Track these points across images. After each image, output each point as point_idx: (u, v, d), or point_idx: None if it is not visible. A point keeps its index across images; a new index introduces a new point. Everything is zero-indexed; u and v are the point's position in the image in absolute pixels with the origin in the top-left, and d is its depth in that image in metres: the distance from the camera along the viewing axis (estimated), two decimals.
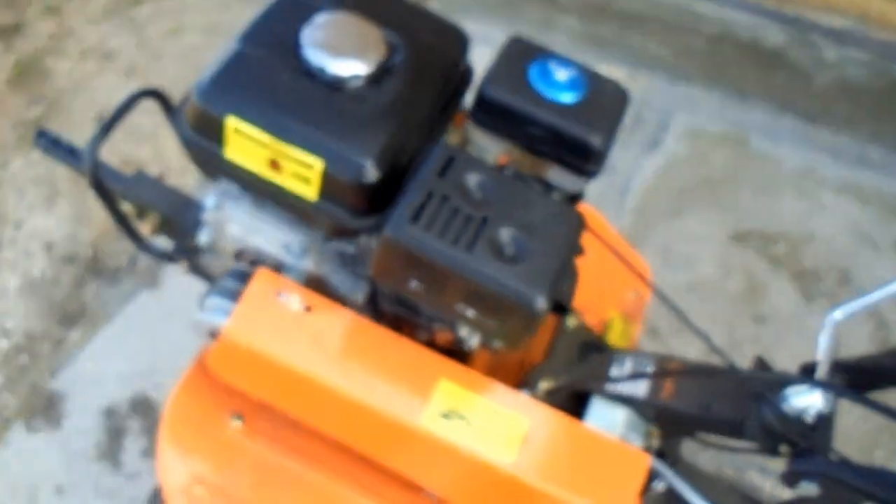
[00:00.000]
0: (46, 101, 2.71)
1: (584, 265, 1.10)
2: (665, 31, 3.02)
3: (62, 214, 2.46)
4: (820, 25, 2.94)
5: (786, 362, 1.17)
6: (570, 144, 1.02)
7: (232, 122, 0.93)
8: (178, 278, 2.35)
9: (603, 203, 2.59)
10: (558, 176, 1.06)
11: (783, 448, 1.03)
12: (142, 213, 1.24)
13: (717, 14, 2.99)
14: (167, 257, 1.26)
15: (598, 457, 1.03)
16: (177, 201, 1.22)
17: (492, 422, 1.00)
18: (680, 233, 2.65)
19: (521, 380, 1.15)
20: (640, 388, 1.12)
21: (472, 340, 1.01)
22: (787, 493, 1.09)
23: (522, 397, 1.04)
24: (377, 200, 0.95)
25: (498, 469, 0.99)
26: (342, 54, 0.96)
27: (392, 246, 0.91)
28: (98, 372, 2.19)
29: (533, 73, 1.03)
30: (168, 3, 3.06)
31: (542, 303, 0.89)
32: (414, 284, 0.95)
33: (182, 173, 2.26)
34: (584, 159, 1.03)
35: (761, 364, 1.08)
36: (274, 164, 0.95)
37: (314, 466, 1.19)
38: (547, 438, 1.02)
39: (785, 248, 2.65)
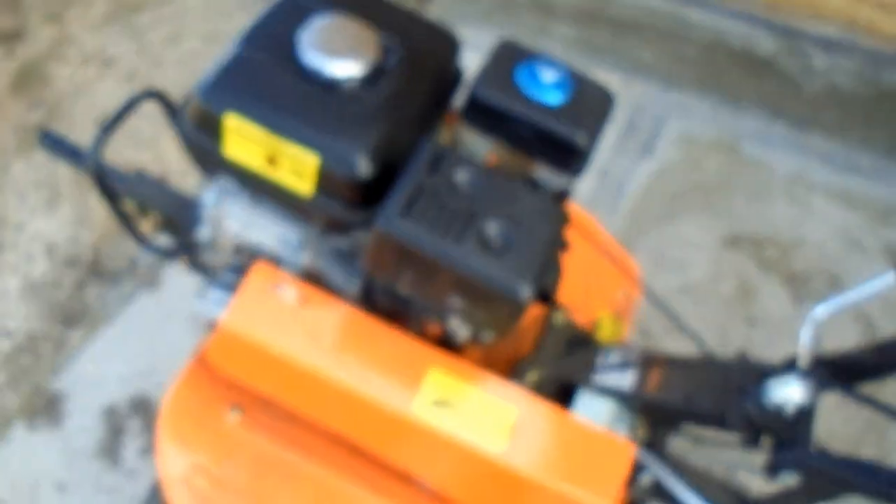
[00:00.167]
0: (47, 106, 2.75)
1: (575, 265, 1.14)
2: (658, 38, 3.06)
3: (63, 217, 2.49)
4: (810, 34, 2.98)
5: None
6: (556, 143, 1.05)
7: (232, 119, 0.97)
8: (177, 280, 2.40)
9: (597, 207, 2.63)
10: (545, 174, 1.09)
11: (765, 439, 1.06)
12: (143, 211, 1.28)
13: (709, 22, 3.03)
14: (168, 254, 1.30)
15: (584, 445, 1.06)
16: (177, 199, 1.26)
17: (482, 410, 1.04)
18: (673, 237, 2.69)
19: (510, 373, 1.18)
20: (625, 381, 1.15)
21: (461, 332, 1.05)
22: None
23: (511, 387, 1.08)
24: (370, 195, 0.99)
25: (488, 457, 1.02)
26: (339, 56, 1.00)
27: (384, 239, 0.94)
28: (99, 372, 2.23)
29: (521, 74, 1.06)
30: (168, 10, 3.09)
31: (526, 292, 0.93)
32: (405, 276, 0.99)
33: (182, 176, 2.31)
34: (570, 157, 1.07)
35: (744, 359, 1.11)
36: (271, 160, 0.99)
37: (311, 458, 1.22)
38: (535, 427, 1.05)
39: (776, 253, 2.68)
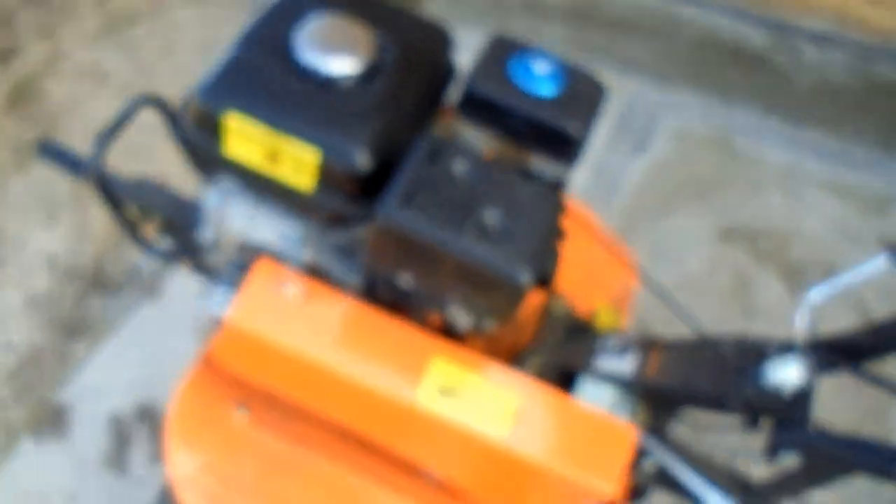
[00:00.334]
0: (43, 122, 2.76)
1: (572, 257, 1.16)
2: (650, 36, 3.08)
3: (63, 231, 2.51)
4: (800, 28, 3.00)
5: None
6: (550, 134, 1.07)
7: (232, 118, 0.99)
8: (178, 288, 2.42)
9: (592, 204, 2.64)
10: (540, 164, 1.12)
11: (764, 421, 1.08)
12: (145, 216, 1.30)
13: (700, 19, 3.05)
14: (171, 257, 1.31)
15: (587, 429, 1.08)
16: (179, 203, 1.27)
17: (485, 397, 1.05)
18: (668, 231, 2.71)
19: (511, 363, 1.20)
20: (625, 366, 1.17)
21: (463, 321, 1.07)
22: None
23: (513, 374, 1.09)
24: (370, 188, 1.01)
25: (492, 443, 1.04)
26: (336, 54, 1.02)
27: (386, 229, 0.96)
28: (103, 382, 2.24)
29: (514, 68, 1.09)
30: (161, 23, 3.11)
31: (525, 277, 0.95)
32: (406, 266, 1.01)
33: (180, 186, 2.32)
34: (564, 147, 1.09)
35: (742, 342, 1.12)
36: (272, 158, 1.01)
37: (318, 453, 1.24)
38: (538, 412, 1.07)
39: (771, 245, 2.70)
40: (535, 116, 1.07)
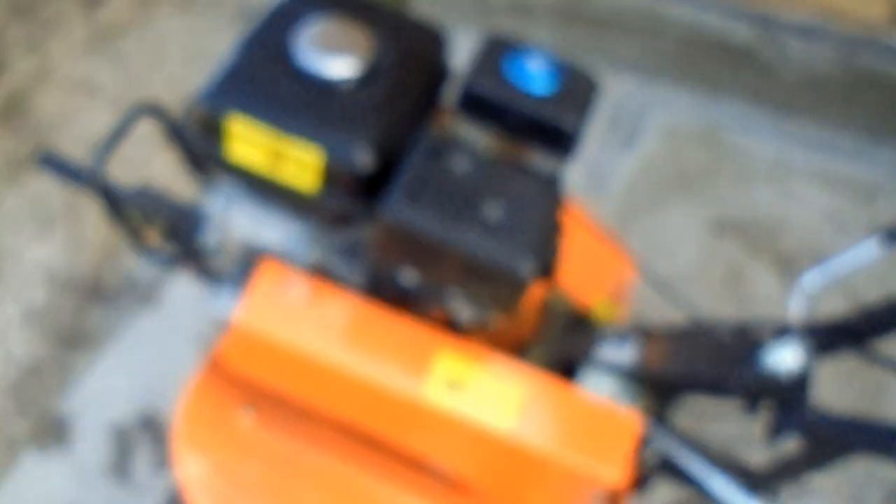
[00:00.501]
0: (34, 136, 2.76)
1: (568, 252, 1.18)
2: (636, 34, 3.10)
3: (59, 243, 2.52)
4: (784, 22, 3.02)
5: None
6: (547, 130, 1.10)
7: (236, 122, 1.01)
8: (176, 296, 2.43)
9: (584, 200, 2.67)
10: (537, 160, 1.14)
11: (764, 405, 1.09)
12: (146, 224, 1.31)
13: (685, 16, 3.07)
14: (174, 263, 1.33)
15: (592, 418, 1.10)
16: (180, 208, 1.29)
17: (491, 389, 1.07)
18: (660, 225, 2.73)
19: (514, 356, 1.22)
20: (626, 355, 1.19)
21: (466, 315, 1.09)
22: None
23: (518, 365, 1.11)
24: (373, 187, 1.03)
25: (499, 434, 1.06)
26: (336, 57, 1.04)
27: (391, 225, 0.99)
28: (105, 391, 2.25)
29: (510, 66, 1.11)
30: (148, 34, 3.11)
31: (528, 268, 0.97)
32: (411, 261, 1.03)
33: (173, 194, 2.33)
34: (560, 142, 1.11)
35: (742, 328, 1.14)
36: (276, 160, 1.02)
37: (325, 451, 1.25)
38: (544, 402, 1.09)
39: (763, 236, 2.73)
40: (531, 113, 1.09)
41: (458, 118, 1.12)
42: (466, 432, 1.07)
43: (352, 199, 1.04)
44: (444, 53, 1.18)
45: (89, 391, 2.25)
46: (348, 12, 1.10)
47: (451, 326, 1.13)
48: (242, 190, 1.13)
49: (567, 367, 1.22)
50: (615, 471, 1.06)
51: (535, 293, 1.26)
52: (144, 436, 2.17)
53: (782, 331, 1.08)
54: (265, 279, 1.10)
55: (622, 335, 1.22)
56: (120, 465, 2.13)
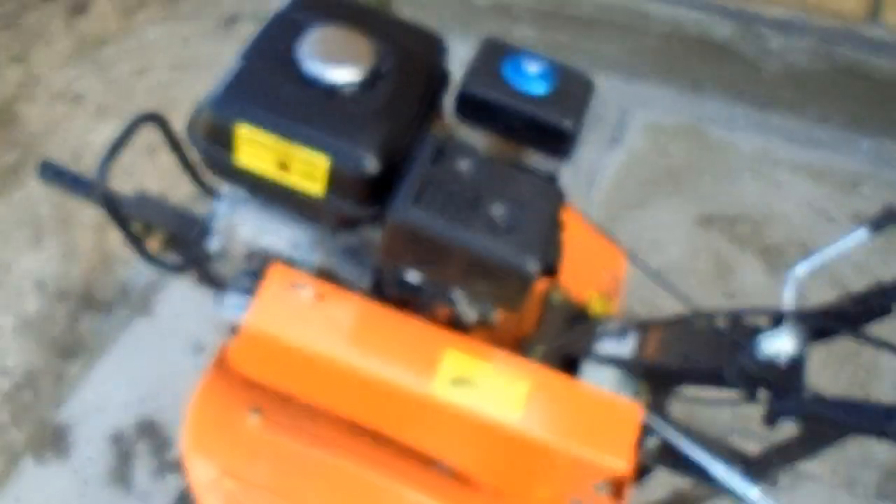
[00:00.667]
0: (20, 147, 2.77)
1: (565, 248, 1.20)
2: (617, 32, 3.14)
3: (50, 253, 2.52)
4: (763, 17, 3.06)
5: None
6: (545, 130, 1.12)
7: (243, 129, 1.03)
8: (170, 304, 2.44)
9: (572, 199, 2.70)
10: (535, 160, 1.17)
11: (761, 392, 1.12)
12: (148, 232, 1.32)
13: (665, 13, 3.11)
14: (178, 270, 1.34)
15: (596, 410, 1.12)
16: (181, 215, 1.30)
17: (497, 384, 1.09)
18: (647, 221, 2.76)
19: (516, 352, 1.24)
20: (625, 348, 1.22)
21: (471, 314, 1.11)
22: None
23: (521, 360, 1.14)
24: (378, 191, 1.05)
25: (506, 428, 1.08)
26: (338, 64, 1.06)
27: (398, 228, 1.01)
28: (101, 400, 2.26)
29: (507, 69, 1.14)
30: (131, 43, 3.11)
31: (533, 266, 1.00)
32: (419, 261, 1.05)
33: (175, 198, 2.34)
34: (559, 143, 1.14)
35: (736, 318, 1.17)
36: (283, 166, 1.04)
37: (333, 451, 1.27)
38: (548, 396, 1.11)
39: (748, 228, 2.77)
40: (530, 114, 1.12)
41: (457, 120, 1.15)
42: (474, 427, 1.09)
43: (357, 202, 1.06)
44: (443, 58, 1.20)
45: (86, 400, 2.26)
46: (348, 18, 1.13)
47: (456, 325, 1.15)
48: (247, 195, 1.15)
49: (568, 362, 1.24)
50: (619, 460, 1.08)
51: (537, 290, 1.28)
52: (143, 442, 2.18)
53: (778, 318, 1.10)
54: (274, 283, 1.12)
55: (621, 329, 1.25)
56: (120, 472, 2.14)
